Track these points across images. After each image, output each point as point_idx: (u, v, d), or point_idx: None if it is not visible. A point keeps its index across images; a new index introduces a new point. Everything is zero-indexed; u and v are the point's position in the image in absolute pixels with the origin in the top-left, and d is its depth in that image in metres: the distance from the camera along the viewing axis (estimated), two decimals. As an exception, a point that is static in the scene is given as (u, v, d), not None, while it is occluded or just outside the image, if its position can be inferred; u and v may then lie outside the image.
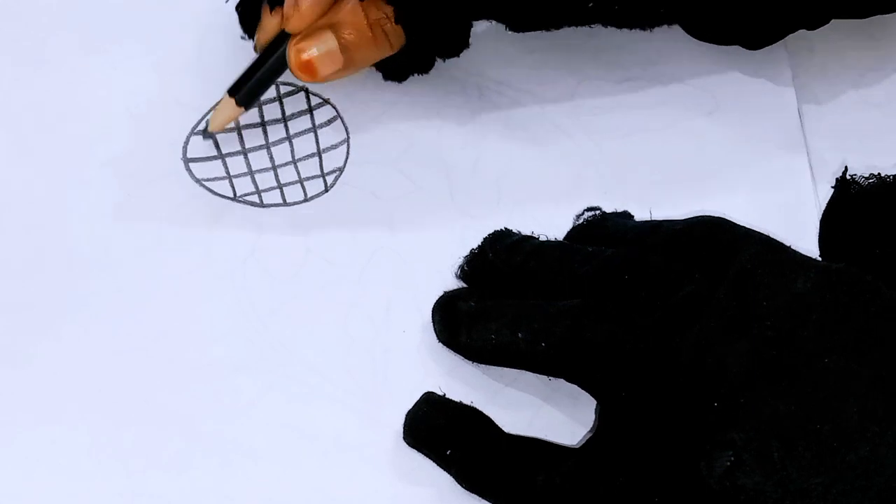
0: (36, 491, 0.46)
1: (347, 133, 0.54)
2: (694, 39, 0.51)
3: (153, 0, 0.57)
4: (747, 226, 0.46)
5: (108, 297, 0.50)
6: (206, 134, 0.53)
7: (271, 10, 0.50)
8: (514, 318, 0.46)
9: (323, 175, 0.53)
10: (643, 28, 0.50)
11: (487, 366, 0.47)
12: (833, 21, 0.50)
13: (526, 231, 0.50)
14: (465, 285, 0.50)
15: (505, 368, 0.47)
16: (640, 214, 0.50)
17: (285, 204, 0.52)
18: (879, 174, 0.50)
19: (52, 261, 0.51)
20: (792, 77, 0.55)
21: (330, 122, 0.54)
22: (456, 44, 0.51)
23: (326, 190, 0.53)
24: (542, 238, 0.49)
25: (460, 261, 0.50)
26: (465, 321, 0.47)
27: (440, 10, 0.49)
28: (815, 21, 0.50)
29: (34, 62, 0.56)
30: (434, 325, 0.48)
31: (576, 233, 0.50)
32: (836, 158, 0.52)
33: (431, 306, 0.49)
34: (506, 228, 0.50)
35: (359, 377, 0.48)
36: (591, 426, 0.47)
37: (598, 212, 0.51)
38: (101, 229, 0.52)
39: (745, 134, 0.54)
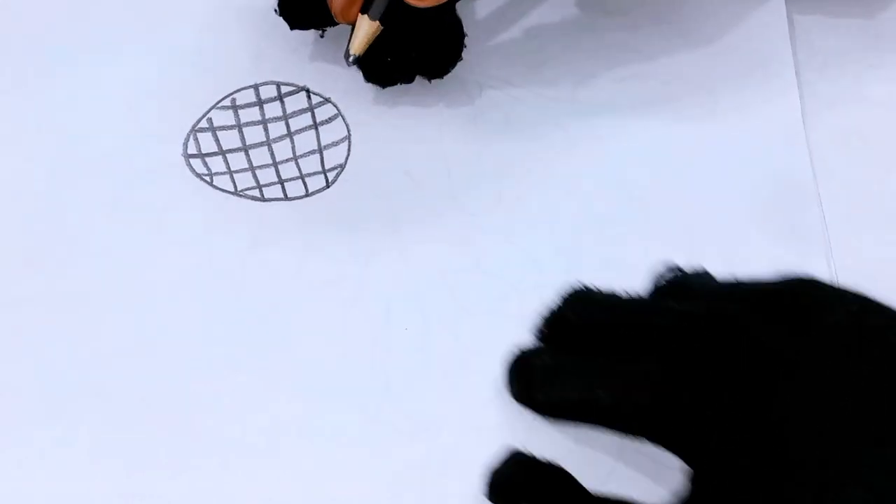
0: (36, 491, 0.46)
1: (349, 130, 0.54)
2: (693, 39, 0.51)
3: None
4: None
5: (107, 293, 0.50)
6: (351, 59, 0.52)
7: None
8: (593, 376, 0.44)
9: (324, 171, 0.53)
10: None
11: (557, 422, 0.45)
12: (835, 19, 0.50)
13: (527, 229, 0.50)
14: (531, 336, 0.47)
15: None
16: (644, 216, 0.51)
17: (286, 199, 0.52)
18: None
19: (51, 256, 0.51)
20: (794, 76, 0.55)
21: (331, 120, 0.54)
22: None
23: (328, 186, 0.53)
24: (623, 295, 0.46)
25: (538, 322, 0.46)
26: (540, 378, 0.45)
27: None
28: None
29: (34, 59, 0.56)
30: (508, 383, 0.46)
31: (657, 292, 0.48)
32: (837, 157, 0.52)
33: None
34: (585, 287, 0.46)
35: (359, 376, 0.48)
36: (663, 479, 0.46)
37: (676, 270, 0.48)
38: (102, 224, 0.52)
39: (746, 133, 0.54)
